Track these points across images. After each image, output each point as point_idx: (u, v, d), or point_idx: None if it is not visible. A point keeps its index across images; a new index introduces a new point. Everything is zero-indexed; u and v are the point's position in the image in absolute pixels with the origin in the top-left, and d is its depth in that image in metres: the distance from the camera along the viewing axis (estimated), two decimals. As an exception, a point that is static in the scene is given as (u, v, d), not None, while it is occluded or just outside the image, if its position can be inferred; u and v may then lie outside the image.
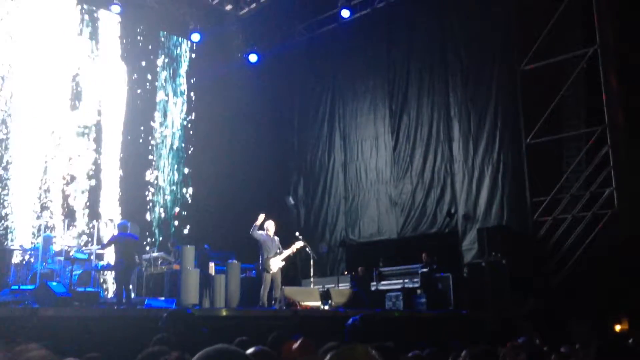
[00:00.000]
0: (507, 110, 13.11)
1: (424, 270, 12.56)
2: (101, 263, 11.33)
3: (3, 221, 12.24)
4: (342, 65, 16.33)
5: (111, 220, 12.49)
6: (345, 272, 14.29)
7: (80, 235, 13.08)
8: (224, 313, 8.75)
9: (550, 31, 12.20)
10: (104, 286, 12.06)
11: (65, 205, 13.24)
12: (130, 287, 10.18)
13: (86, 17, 14.34)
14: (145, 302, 10.29)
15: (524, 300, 11.17)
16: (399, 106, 15.23)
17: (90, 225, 12.98)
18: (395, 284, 13.02)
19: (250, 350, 2.28)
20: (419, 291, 12.42)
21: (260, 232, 10.54)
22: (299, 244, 10.80)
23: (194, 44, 16.36)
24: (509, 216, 12.74)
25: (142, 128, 15.16)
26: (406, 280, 12.84)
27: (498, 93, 13.29)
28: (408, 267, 13.05)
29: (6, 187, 12.38)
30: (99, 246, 11.25)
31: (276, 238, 10.70)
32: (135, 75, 15.17)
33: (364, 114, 15.93)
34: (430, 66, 14.70)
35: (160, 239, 14.67)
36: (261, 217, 10.43)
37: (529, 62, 12.53)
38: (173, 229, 15.27)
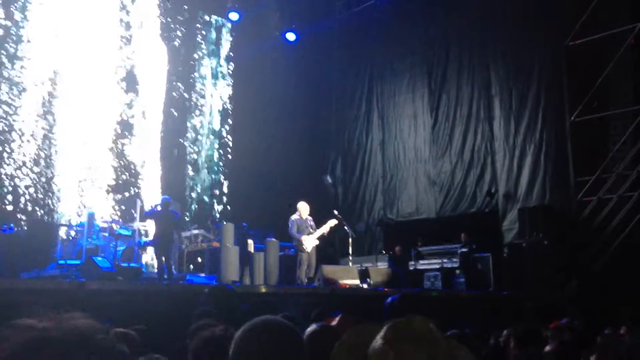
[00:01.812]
0: (550, 88, 12.77)
1: (463, 250, 12.44)
2: (144, 239, 11.58)
3: (50, 196, 12.58)
4: (381, 44, 16.12)
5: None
6: (383, 251, 14.27)
7: (123, 213, 13.36)
8: (264, 290, 8.86)
9: (597, 6, 11.79)
10: (147, 262, 12.32)
11: (108, 183, 13.53)
12: (172, 263, 10.38)
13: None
14: (187, 278, 10.50)
15: (566, 282, 10.99)
16: (438, 84, 15.01)
17: (133, 202, 13.26)
18: (433, 263, 12.95)
19: (311, 327, 2.29)
20: (457, 271, 12.33)
21: (293, 217, 10.61)
22: (332, 222, 10.80)
23: (233, 24, 16.38)
24: (551, 196, 12.49)
25: (181, 107, 15.32)
26: (445, 260, 12.76)
27: (541, 70, 12.95)
28: (447, 247, 12.96)
29: (52, 166, 12.70)
30: (142, 223, 11.52)
31: (309, 218, 10.73)
32: (175, 54, 15.30)
33: (403, 92, 15.75)
34: (470, 43, 14.40)
35: (200, 217, 14.90)
36: (303, 237, 10.47)
37: (574, 38, 12.15)
38: (213, 207, 15.48)
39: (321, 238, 10.76)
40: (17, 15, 12.47)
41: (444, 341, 1.01)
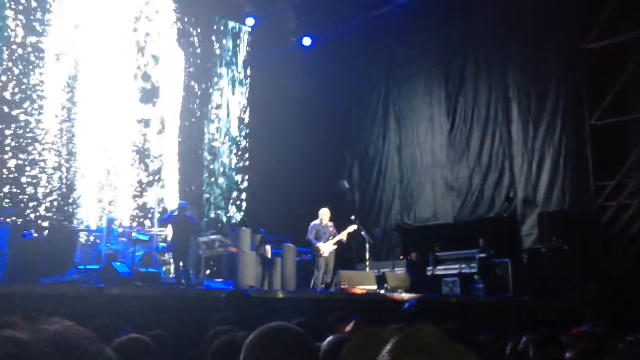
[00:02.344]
0: (569, 91, 12.65)
1: (482, 255, 12.34)
2: (162, 244, 11.64)
3: (70, 202, 12.70)
4: (397, 48, 16.09)
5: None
6: (401, 257, 14.21)
7: (141, 218, 13.45)
8: (281, 295, 8.86)
9: (615, 9, 11.67)
10: (165, 267, 12.40)
11: (127, 189, 13.64)
12: (189, 268, 10.42)
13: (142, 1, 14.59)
14: (204, 284, 10.53)
15: (586, 287, 10.85)
16: (455, 88, 14.93)
17: (151, 208, 13.37)
18: (451, 269, 12.85)
19: (329, 339, 2.28)
20: (476, 277, 12.23)
21: (314, 222, 10.60)
22: (351, 228, 10.78)
23: (250, 30, 16.46)
24: (570, 201, 12.35)
25: (199, 113, 15.41)
26: (463, 266, 12.66)
27: (560, 73, 12.83)
28: (465, 252, 12.85)
29: (72, 173, 12.82)
30: (160, 228, 11.60)
31: (329, 224, 10.70)
32: (191, 60, 15.39)
33: (419, 96, 15.70)
34: (487, 47, 14.32)
35: (217, 222, 14.96)
36: (320, 245, 10.45)
37: (593, 41, 12.03)
38: (230, 212, 15.54)
39: (339, 243, 10.73)
40: (37, 26, 12.62)
41: (452, 352, 1.00)
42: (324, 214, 10.69)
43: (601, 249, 11.44)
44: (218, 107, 15.92)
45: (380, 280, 11.25)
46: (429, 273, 13.10)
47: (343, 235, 10.67)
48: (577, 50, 12.35)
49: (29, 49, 12.48)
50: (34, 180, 12.16)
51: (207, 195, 15.27)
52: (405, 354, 0.98)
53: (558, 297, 10.74)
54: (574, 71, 12.53)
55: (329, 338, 2.28)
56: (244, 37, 16.72)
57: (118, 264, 9.39)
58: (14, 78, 12.20)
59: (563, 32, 12.75)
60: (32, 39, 12.54)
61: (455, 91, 14.91)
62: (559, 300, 10.61)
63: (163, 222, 11.15)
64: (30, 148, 12.23)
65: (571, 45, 12.54)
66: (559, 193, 12.55)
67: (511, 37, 13.75)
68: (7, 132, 11.94)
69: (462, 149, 14.60)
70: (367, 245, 11.56)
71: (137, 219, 13.35)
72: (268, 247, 11.55)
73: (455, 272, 12.65)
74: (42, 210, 12.15)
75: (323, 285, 10.42)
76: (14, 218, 11.01)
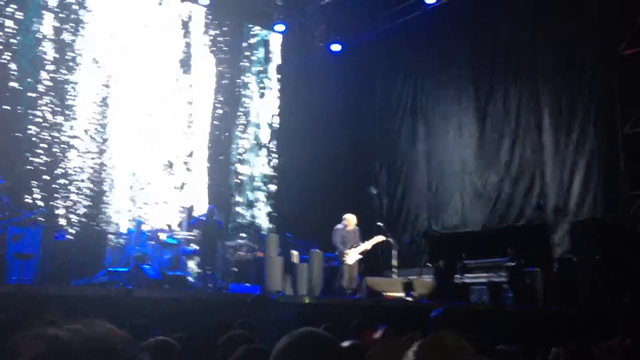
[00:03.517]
0: (602, 98, 12.39)
1: (511, 264, 12.16)
2: (190, 248, 11.75)
3: (101, 206, 12.90)
4: (426, 54, 15.97)
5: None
6: (429, 264, 14.08)
7: (170, 222, 13.59)
8: (307, 300, 8.85)
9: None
10: (192, 271, 12.50)
11: (156, 193, 13.81)
12: (216, 272, 10.48)
13: (173, 9, 14.79)
14: (230, 288, 10.59)
15: (619, 298, 10.59)
16: (484, 95, 14.74)
17: (180, 212, 13.51)
18: (480, 277, 12.67)
19: (345, 344, 2.25)
20: (505, 285, 12.05)
21: (338, 226, 10.59)
22: (377, 239, 10.74)
23: (279, 36, 16.56)
24: (603, 209, 12.07)
25: (228, 120, 15.53)
26: (492, 274, 12.47)
27: (593, 79, 12.57)
28: (493, 261, 12.67)
29: (104, 177, 13.03)
30: (187, 232, 11.72)
31: (356, 229, 10.67)
32: (222, 66, 15.53)
33: (448, 103, 15.55)
34: (518, 53, 14.11)
35: (245, 227, 15.03)
36: (347, 251, 10.43)
37: (628, 47, 11.78)
38: (258, 217, 15.60)
39: (363, 252, 10.70)
40: (68, 37, 12.87)
41: (475, 358, 0.99)
42: (350, 219, 10.67)
43: (635, 258, 11.16)
44: (247, 113, 16.04)
45: (407, 287, 11.17)
46: (457, 281, 12.95)
47: (368, 245, 10.64)
48: (610, 57, 12.10)
49: (65, 55, 12.75)
50: (67, 184, 12.39)
51: (236, 200, 15.36)
52: (429, 355, 0.98)
53: (589, 307, 10.50)
54: (607, 78, 12.28)
55: (345, 343, 2.24)
56: (274, 44, 16.83)
57: (146, 267, 9.51)
58: (49, 84, 12.47)
59: (596, 38, 12.50)
60: (68, 46, 12.83)
61: (484, 98, 14.72)
62: (591, 310, 10.38)
63: (191, 226, 11.26)
64: (63, 153, 12.47)
65: (604, 52, 12.29)
66: (592, 201, 12.29)
67: (542, 43, 13.53)
68: (43, 136, 12.20)
69: (491, 156, 14.40)
70: (395, 252, 11.49)
71: (165, 223, 13.49)
72: (295, 253, 11.58)
73: (484, 280, 12.47)
74: (73, 215, 12.37)
75: (349, 292, 10.39)
76: (45, 219, 11.21)
